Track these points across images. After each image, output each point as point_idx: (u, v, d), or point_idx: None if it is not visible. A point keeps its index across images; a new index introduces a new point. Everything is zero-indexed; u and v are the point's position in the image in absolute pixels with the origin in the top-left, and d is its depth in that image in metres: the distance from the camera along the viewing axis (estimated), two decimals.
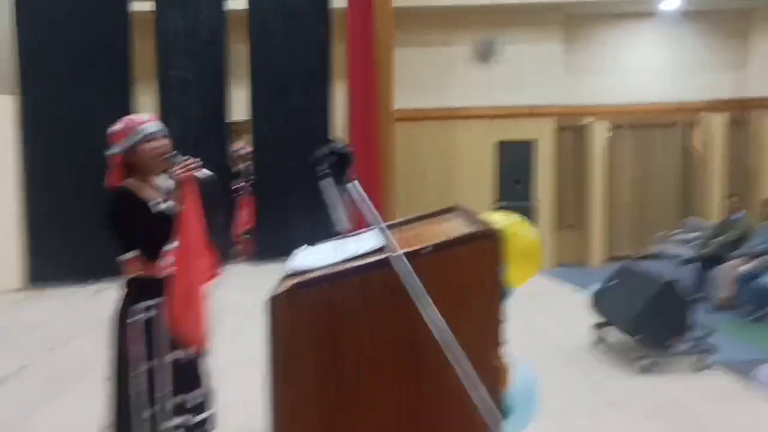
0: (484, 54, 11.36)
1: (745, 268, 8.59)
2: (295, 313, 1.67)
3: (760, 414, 4.22)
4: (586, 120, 11.95)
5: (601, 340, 5.62)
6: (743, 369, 4.90)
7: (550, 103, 11.43)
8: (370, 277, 1.70)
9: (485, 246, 1.68)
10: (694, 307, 4.87)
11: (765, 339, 7.27)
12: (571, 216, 12.18)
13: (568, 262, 11.73)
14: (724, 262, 8.95)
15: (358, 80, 9.72)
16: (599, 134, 11.84)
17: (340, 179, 1.73)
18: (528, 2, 10.97)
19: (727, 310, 8.66)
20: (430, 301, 1.59)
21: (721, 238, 9.31)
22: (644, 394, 4.62)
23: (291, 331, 1.65)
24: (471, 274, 1.69)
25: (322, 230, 2.26)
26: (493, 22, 11.23)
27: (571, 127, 12.05)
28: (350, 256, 1.80)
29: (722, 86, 12.14)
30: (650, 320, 5.05)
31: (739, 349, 6.64)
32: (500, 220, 2.25)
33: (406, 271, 1.59)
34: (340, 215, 1.90)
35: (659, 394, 4.60)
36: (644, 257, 11.86)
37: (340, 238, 2.09)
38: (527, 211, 11.10)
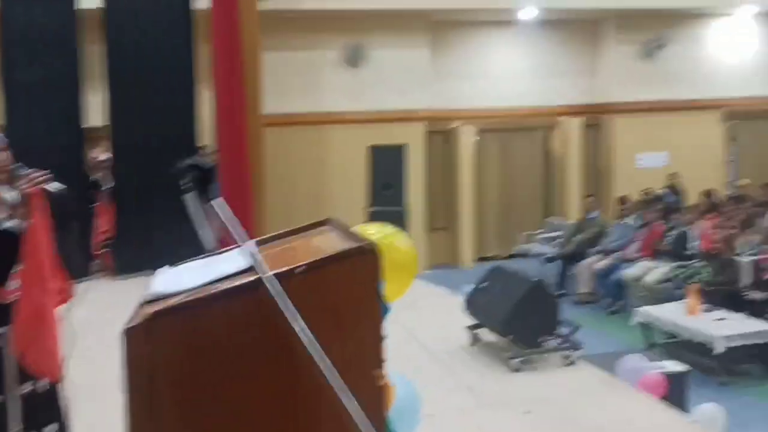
0: (353, 59, 11.36)
1: (602, 264, 9.13)
2: (154, 346, 1.49)
3: (624, 404, 4.43)
4: (454, 124, 12.25)
5: (475, 341, 5.70)
6: (607, 361, 5.13)
7: (419, 108, 11.61)
8: (239, 301, 1.55)
9: (362, 262, 1.58)
10: (561, 304, 5.03)
11: (623, 330, 7.73)
12: (441, 218, 12.44)
13: (440, 264, 11.95)
14: (584, 259, 9.47)
15: (225, 84, 9.38)
16: (466, 138, 12.17)
17: (204, 196, 1.58)
18: (395, 8, 11.06)
19: (587, 304, 9.17)
20: (305, 324, 1.46)
21: (579, 236, 9.84)
22: (516, 392, 4.72)
23: (149, 366, 1.47)
24: (349, 293, 1.59)
25: (188, 244, 2.09)
26: (361, 27, 11.26)
27: (440, 132, 12.31)
28: (217, 278, 1.64)
29: (577, 92, 12.84)
30: (521, 319, 5.16)
31: (602, 342, 7.01)
32: (374, 232, 2.17)
33: (278, 293, 1.46)
34: (206, 232, 1.75)
35: (530, 390, 4.72)
36: (511, 256, 12.34)
37: (206, 257, 1.92)
38: (399, 216, 11.19)
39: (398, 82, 11.49)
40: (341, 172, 11.32)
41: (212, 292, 1.57)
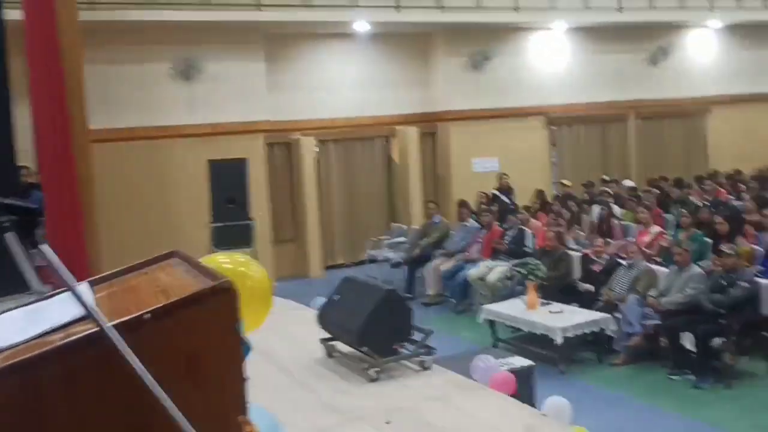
0: (186, 71, 10.94)
1: (447, 265, 9.44)
2: None
3: (481, 403, 4.55)
4: (295, 136, 12.16)
5: (331, 354, 5.63)
6: (460, 363, 5.25)
7: (257, 120, 11.40)
8: (77, 357, 1.33)
9: (219, 303, 1.43)
10: (412, 311, 5.08)
11: (471, 328, 8.01)
12: (288, 230, 12.30)
13: (288, 276, 11.80)
14: (429, 261, 9.75)
15: (43, 100, 8.63)
16: (307, 149, 12.11)
17: (26, 240, 1.39)
18: (227, 20, 10.80)
19: (435, 305, 9.44)
20: (155, 378, 1.30)
21: (424, 241, 10.12)
22: (375, 403, 4.71)
23: None
24: (205, 337, 1.44)
25: (10, 288, 1.84)
26: (193, 39, 10.85)
27: (281, 144, 12.18)
28: (47, 330, 1.43)
29: (413, 101, 13.23)
30: (375, 329, 5.15)
31: (453, 343, 7.23)
32: (225, 261, 2.04)
33: (122, 345, 1.29)
34: (31, 277, 1.54)
35: (389, 400, 4.72)
36: (359, 262, 12.45)
37: (33, 303, 1.69)
38: (244, 230, 10.94)
39: (235, 94, 11.21)
40: (182, 188, 10.88)
41: (45, 349, 1.34)
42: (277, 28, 11.59)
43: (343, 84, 12.67)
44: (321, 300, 7.18)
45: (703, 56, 15.18)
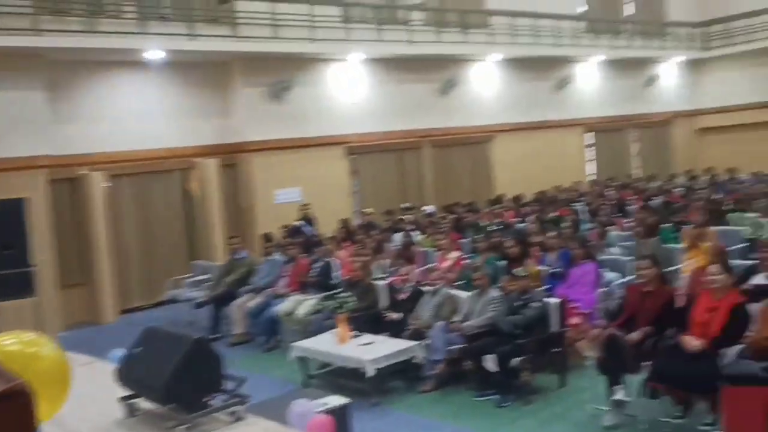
0: None
1: (254, 302, 9.18)
2: None
3: None
4: (82, 171, 11.25)
5: (132, 414, 5.18)
6: (275, 407, 5.07)
7: (38, 155, 10.38)
8: None
9: (11, 409, 1.17)
10: (223, 359, 4.82)
11: (282, 366, 7.82)
12: (76, 273, 11.31)
13: (78, 323, 10.86)
14: (235, 299, 9.42)
15: None
16: (97, 184, 11.25)
17: None
18: (2, 45, 9.75)
19: (242, 344, 9.12)
20: None
21: (229, 278, 9.77)
22: None
23: None
24: None
25: None
26: None
27: (66, 179, 11.21)
28: None
29: (212, 132, 12.86)
30: (182, 384, 4.79)
31: (266, 385, 6.99)
32: (11, 342, 1.75)
33: None
34: None
35: None
36: (159, 304, 11.75)
37: None
38: (25, 277, 9.91)
39: (10, 127, 10.15)
40: None
41: None
42: (61, 55, 10.71)
43: (137, 115, 12.00)
44: (119, 352, 6.63)
45: (486, 88, 16.45)
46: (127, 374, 5.39)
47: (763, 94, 19.32)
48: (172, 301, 10.92)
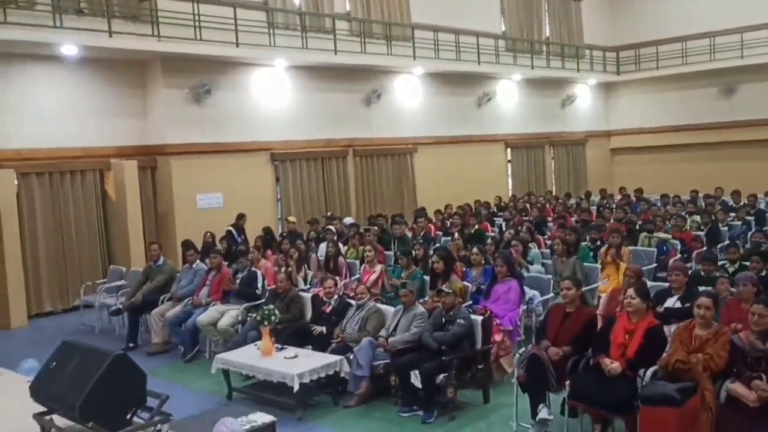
0: None
1: (173, 311, 8.90)
2: None
3: None
4: None
5: (47, 430, 4.93)
6: (199, 425, 4.95)
7: None
8: None
9: None
10: (146, 375, 4.68)
11: (204, 378, 7.61)
12: None
13: None
14: (154, 307, 9.12)
15: None
16: (6, 183, 10.68)
17: None
18: None
19: (161, 353, 8.83)
20: None
21: (148, 285, 9.45)
22: None
23: None
24: None
25: None
26: None
27: None
28: None
29: (130, 133, 12.46)
30: (102, 401, 4.62)
31: (188, 399, 6.82)
32: None
33: None
34: None
35: None
36: (72, 308, 11.27)
37: None
38: None
39: None
40: None
41: None
42: None
43: (49, 111, 11.51)
44: (30, 363, 6.31)
45: (410, 100, 16.66)
46: (42, 389, 5.14)
47: (670, 118, 20.43)
48: (87, 306, 10.49)
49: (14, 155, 11.03)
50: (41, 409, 5.10)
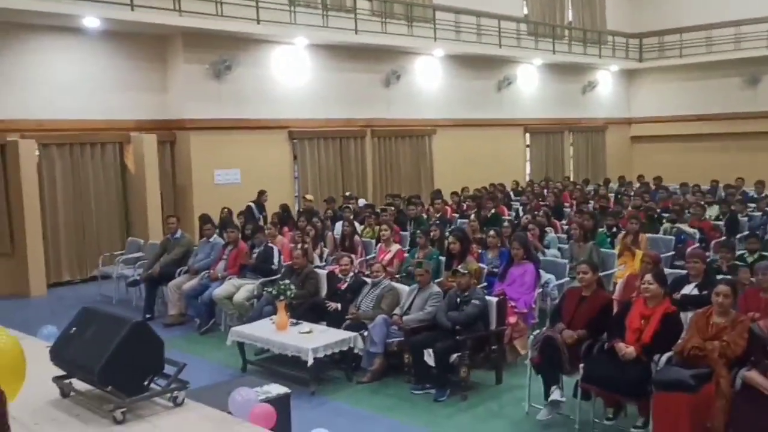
0: None
1: (190, 284, 9.00)
2: None
3: None
4: (10, 137, 10.77)
5: (65, 395, 5.02)
6: (216, 394, 5.01)
7: None
8: None
9: None
10: (163, 343, 4.73)
11: (220, 350, 7.71)
12: (4, 243, 10.87)
13: (5, 294, 10.45)
14: (171, 280, 9.21)
15: None
16: (27, 153, 10.79)
17: None
18: None
19: (177, 325, 8.94)
20: None
21: (165, 257, 9.54)
22: None
23: None
24: None
25: None
26: None
27: None
28: None
29: (149, 107, 12.51)
30: (121, 366, 4.67)
31: (201, 368, 6.89)
32: None
33: None
34: None
35: None
36: (90, 279, 11.41)
37: None
38: None
39: None
40: None
41: None
42: None
43: (71, 83, 11.58)
44: (50, 329, 6.40)
45: (430, 82, 16.57)
46: (61, 354, 5.22)
47: (692, 107, 20.20)
48: (104, 276, 10.62)
49: (35, 126, 11.12)
50: (60, 372, 5.20)
